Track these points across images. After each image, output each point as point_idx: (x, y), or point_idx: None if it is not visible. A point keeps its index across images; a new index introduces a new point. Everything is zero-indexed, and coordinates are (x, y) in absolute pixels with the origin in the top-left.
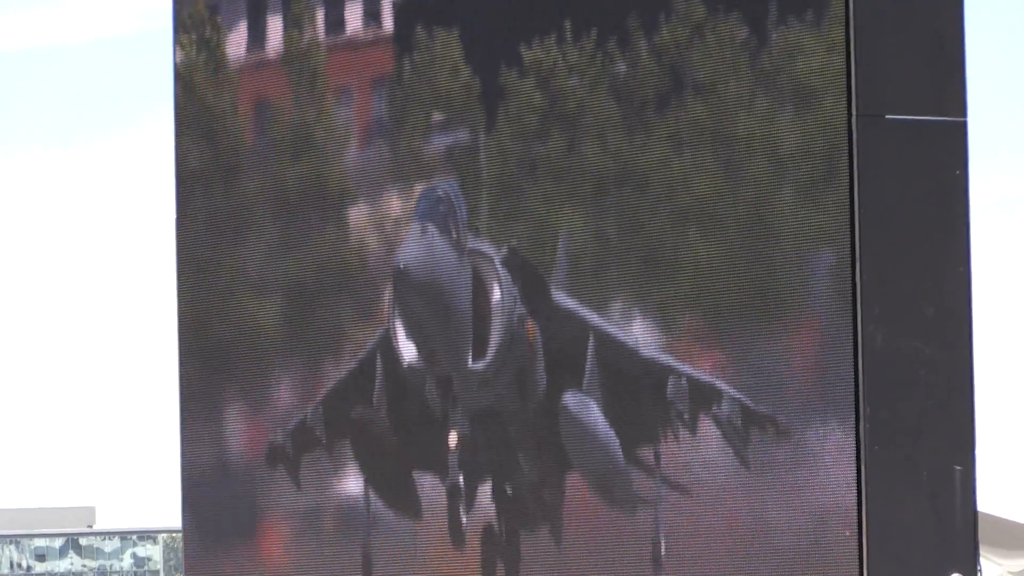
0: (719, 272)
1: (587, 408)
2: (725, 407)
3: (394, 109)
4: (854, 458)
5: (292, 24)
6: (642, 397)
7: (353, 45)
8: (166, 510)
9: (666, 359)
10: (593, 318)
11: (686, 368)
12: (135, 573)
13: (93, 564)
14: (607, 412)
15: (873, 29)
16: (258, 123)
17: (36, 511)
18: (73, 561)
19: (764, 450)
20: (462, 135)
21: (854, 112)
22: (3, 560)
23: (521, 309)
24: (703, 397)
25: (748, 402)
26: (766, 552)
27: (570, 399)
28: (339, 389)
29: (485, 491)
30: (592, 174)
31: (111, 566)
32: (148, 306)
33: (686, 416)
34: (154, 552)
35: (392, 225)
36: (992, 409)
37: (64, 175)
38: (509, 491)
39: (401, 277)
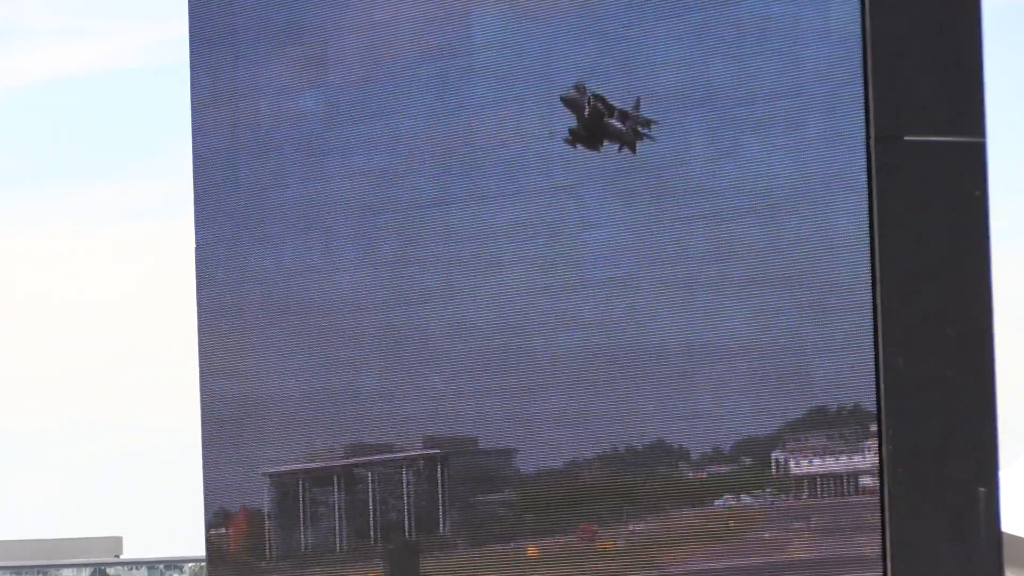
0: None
1: None
2: None
3: None
4: (878, 479)
5: None
6: None
7: None
8: (192, 540)
9: None
10: None
11: None
12: None
13: None
14: None
15: (890, 50)
16: None
17: (64, 541)
18: None
19: None
20: None
21: (872, 134)
22: None
23: None
24: None
25: None
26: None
27: None
28: None
29: None
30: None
31: None
32: (170, 337)
33: None
34: None
35: None
36: (1017, 430)
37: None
38: None
39: None
